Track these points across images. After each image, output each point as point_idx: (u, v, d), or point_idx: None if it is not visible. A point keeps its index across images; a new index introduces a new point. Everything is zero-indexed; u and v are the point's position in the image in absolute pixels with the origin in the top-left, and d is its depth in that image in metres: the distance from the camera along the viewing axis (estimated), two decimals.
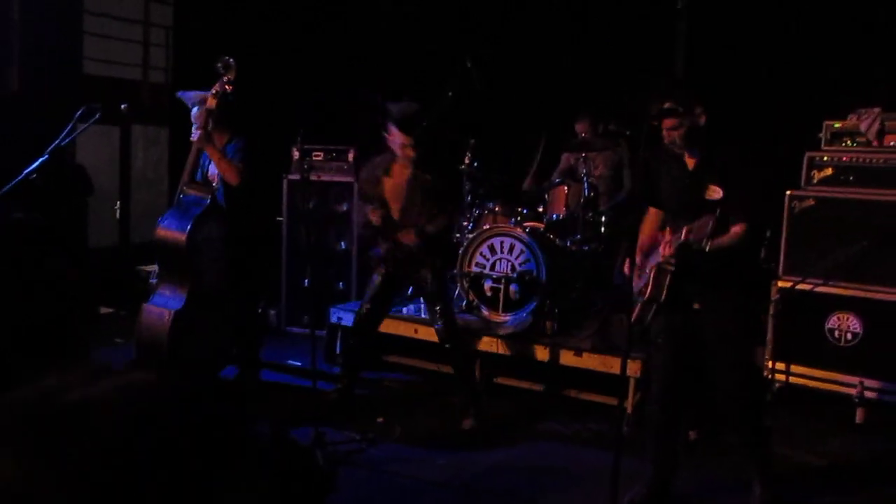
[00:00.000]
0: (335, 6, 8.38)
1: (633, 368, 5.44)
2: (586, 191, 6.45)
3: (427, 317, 6.26)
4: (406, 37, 8.02)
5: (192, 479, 0.75)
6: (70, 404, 0.78)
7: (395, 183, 5.42)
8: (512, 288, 6.14)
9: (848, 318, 5.81)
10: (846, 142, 5.99)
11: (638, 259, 4.24)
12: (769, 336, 5.96)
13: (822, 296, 5.87)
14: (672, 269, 3.93)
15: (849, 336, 5.81)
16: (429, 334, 6.14)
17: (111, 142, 8.61)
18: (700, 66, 6.93)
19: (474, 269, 6.24)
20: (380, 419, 5.50)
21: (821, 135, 6.06)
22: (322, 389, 5.49)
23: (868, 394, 5.60)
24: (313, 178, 6.91)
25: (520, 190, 6.96)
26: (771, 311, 5.95)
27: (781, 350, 5.95)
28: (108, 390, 0.78)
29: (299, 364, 6.59)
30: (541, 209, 6.68)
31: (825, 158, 6.00)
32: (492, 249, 6.20)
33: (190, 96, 5.60)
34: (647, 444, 4.47)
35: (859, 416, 5.58)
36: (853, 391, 5.64)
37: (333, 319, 6.70)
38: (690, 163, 4.16)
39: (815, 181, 6.02)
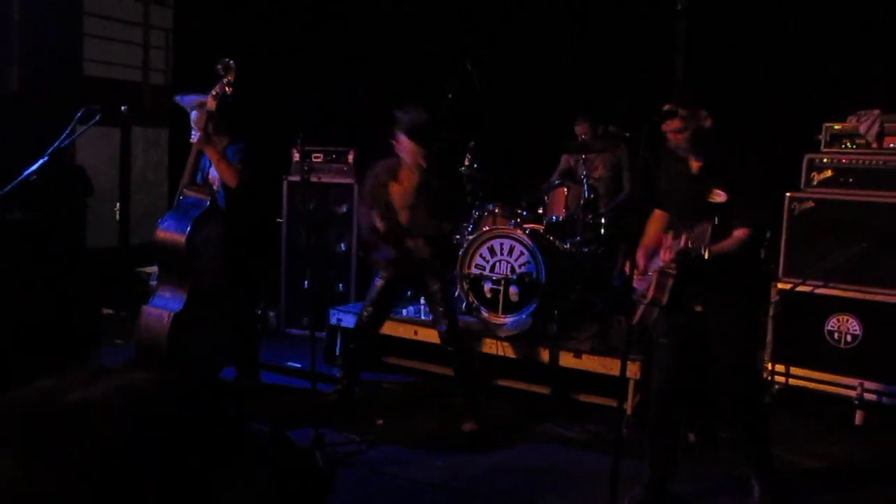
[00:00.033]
0: (335, 6, 8.39)
1: (633, 370, 5.44)
2: (586, 193, 6.45)
3: (426, 318, 6.27)
4: (406, 37, 8.02)
5: (191, 477, 0.75)
6: (70, 405, 0.78)
7: (402, 188, 5.40)
8: (512, 289, 6.14)
9: (847, 320, 5.81)
10: (846, 144, 6.00)
11: (642, 260, 4.23)
12: (769, 338, 5.96)
13: (822, 297, 5.87)
14: (674, 272, 3.93)
15: (848, 338, 5.81)
16: (428, 336, 6.15)
17: (111, 143, 8.61)
18: (699, 66, 6.93)
19: (474, 270, 6.24)
20: (379, 421, 5.50)
21: (820, 136, 6.07)
22: (321, 391, 5.49)
23: (868, 396, 5.61)
24: (313, 179, 6.92)
25: (520, 192, 6.96)
26: (770, 313, 5.95)
27: (781, 352, 5.95)
28: (108, 390, 0.78)
29: (299, 365, 6.59)
30: (540, 211, 6.68)
31: (825, 160, 6.00)
32: (491, 251, 6.19)
33: (188, 100, 5.60)
34: (645, 444, 4.47)
35: (859, 418, 5.58)
36: (853, 393, 5.65)
37: (333, 321, 6.70)
38: (695, 166, 4.16)
39: (814, 183, 6.03)
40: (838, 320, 5.84)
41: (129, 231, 8.55)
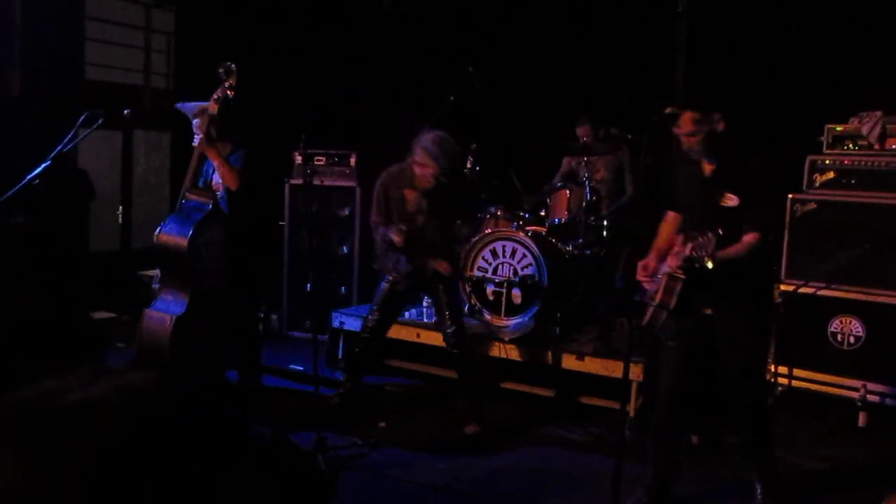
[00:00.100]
0: (334, 6, 8.38)
1: (635, 372, 5.43)
2: (588, 195, 6.45)
3: (429, 321, 6.27)
4: (406, 37, 8.02)
5: (192, 478, 0.75)
6: (70, 405, 0.78)
7: (417, 194, 5.38)
8: (514, 292, 6.13)
9: (850, 322, 5.80)
10: (848, 145, 6.00)
11: (653, 261, 4.23)
12: (772, 340, 5.95)
13: (825, 299, 5.87)
14: (683, 277, 3.94)
15: (851, 339, 5.80)
16: (430, 339, 6.15)
17: (113, 147, 8.62)
18: (700, 67, 6.93)
19: (476, 273, 6.24)
20: (382, 424, 5.50)
21: (822, 138, 6.06)
22: (324, 394, 5.49)
23: (871, 397, 5.60)
24: (315, 182, 6.92)
25: (521, 194, 6.96)
26: (773, 315, 5.95)
27: (784, 354, 5.94)
28: (108, 391, 0.78)
29: (301, 369, 6.59)
30: (542, 213, 6.68)
31: (827, 162, 6.00)
32: (494, 254, 6.19)
33: (190, 107, 5.61)
34: (648, 445, 4.46)
35: (862, 419, 5.57)
36: (856, 395, 5.64)
37: (335, 324, 6.70)
38: (708, 169, 4.15)
39: (816, 184, 6.03)
40: (841, 322, 5.84)
41: (131, 234, 8.55)
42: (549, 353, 5.94)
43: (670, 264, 3.99)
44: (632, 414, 5.46)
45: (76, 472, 0.72)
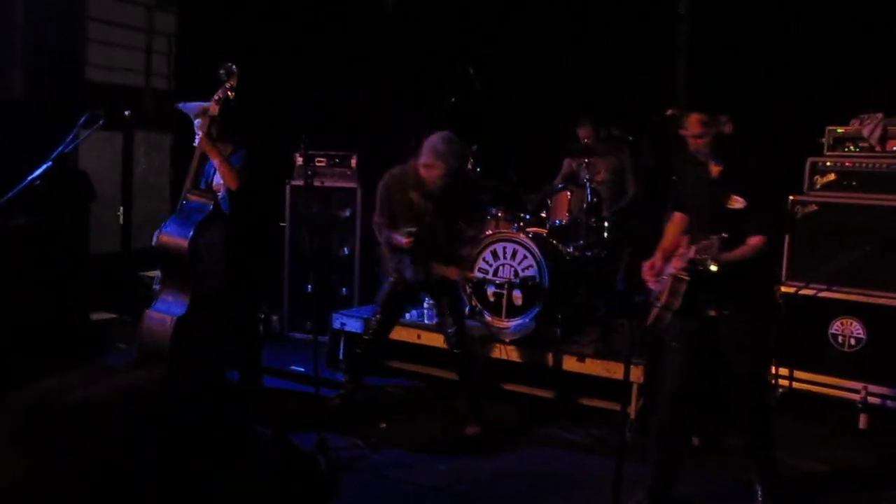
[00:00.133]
0: (335, 6, 8.39)
1: (636, 374, 5.43)
2: (589, 196, 6.45)
3: (430, 322, 6.27)
4: (406, 37, 8.02)
5: (192, 478, 0.75)
6: (71, 404, 0.78)
7: (422, 196, 5.36)
8: (515, 293, 6.13)
9: (851, 324, 5.80)
10: (849, 147, 6.00)
11: (659, 262, 4.23)
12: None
13: (826, 301, 5.86)
14: (687, 278, 3.94)
15: (852, 341, 5.80)
16: (431, 340, 6.15)
17: (114, 148, 8.62)
18: (701, 68, 6.93)
19: (477, 274, 6.24)
20: (383, 425, 5.49)
21: (823, 140, 6.06)
22: (325, 395, 5.48)
23: (871, 399, 5.59)
24: (316, 183, 6.92)
25: (522, 195, 6.95)
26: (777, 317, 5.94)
27: (784, 355, 5.94)
28: (109, 390, 0.78)
29: (302, 370, 6.59)
30: (543, 214, 6.68)
31: (828, 164, 6.00)
32: (494, 255, 6.19)
33: (191, 107, 5.60)
34: (650, 447, 4.46)
35: (863, 421, 5.57)
36: (857, 397, 5.63)
37: (336, 325, 6.69)
38: (714, 170, 4.15)
39: (817, 186, 6.02)
40: (842, 324, 5.84)
41: (132, 235, 8.56)
42: (550, 355, 5.94)
43: (675, 266, 4.00)
44: (632, 415, 5.45)
45: (76, 472, 0.72)
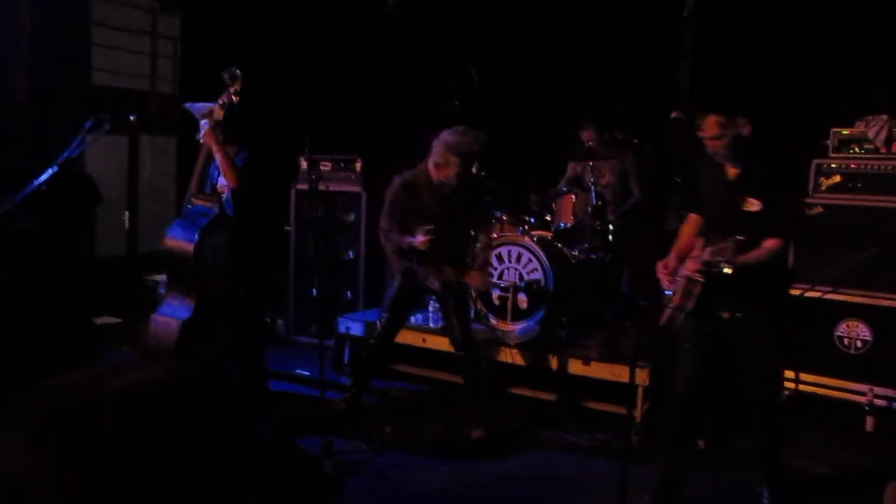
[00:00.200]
0: (339, 10, 8.39)
1: (642, 377, 5.42)
2: (593, 199, 6.45)
3: (435, 326, 6.27)
4: (406, 37, 8.01)
5: (193, 478, 0.75)
6: (74, 404, 0.78)
7: (433, 200, 5.33)
8: (520, 297, 6.13)
9: (857, 326, 5.79)
10: (854, 149, 5.99)
11: (673, 262, 4.22)
12: None
13: (831, 303, 5.85)
14: (701, 280, 3.93)
15: (858, 343, 5.78)
16: (436, 343, 6.15)
17: (119, 152, 8.65)
18: (702, 70, 6.91)
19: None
20: (388, 429, 5.50)
21: (828, 142, 6.05)
22: (330, 399, 5.49)
23: (878, 402, 5.58)
24: (321, 187, 6.92)
25: (527, 198, 6.95)
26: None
27: (790, 358, 5.92)
28: (111, 390, 0.78)
29: (307, 373, 6.59)
30: (548, 218, 6.68)
31: (833, 166, 5.99)
32: (500, 258, 6.19)
33: (198, 108, 5.61)
34: (657, 449, 4.45)
35: (869, 424, 5.56)
36: (863, 399, 5.62)
37: (341, 329, 6.70)
38: (732, 172, 4.14)
39: (823, 188, 6.02)
40: (848, 326, 5.82)
41: (138, 239, 8.57)
42: (555, 358, 5.94)
43: (689, 267, 3.98)
44: (638, 419, 5.45)
45: (78, 471, 0.72)
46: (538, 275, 6.04)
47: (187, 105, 5.73)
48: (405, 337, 6.28)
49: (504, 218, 6.47)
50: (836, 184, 5.96)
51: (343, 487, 4.28)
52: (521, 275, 6.11)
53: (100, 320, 7.37)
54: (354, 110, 8.04)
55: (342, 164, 7.70)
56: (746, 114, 4.05)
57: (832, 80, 6.37)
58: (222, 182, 5.54)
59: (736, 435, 5.18)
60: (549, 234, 6.45)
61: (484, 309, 6.25)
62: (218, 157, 5.41)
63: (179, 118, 8.00)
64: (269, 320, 7.34)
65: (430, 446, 5.29)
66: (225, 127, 5.40)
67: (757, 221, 3.98)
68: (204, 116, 5.52)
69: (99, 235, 8.30)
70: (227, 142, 5.44)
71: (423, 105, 7.22)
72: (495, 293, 6.20)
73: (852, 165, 5.92)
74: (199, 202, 5.38)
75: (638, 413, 5.46)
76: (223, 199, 5.49)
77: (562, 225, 6.57)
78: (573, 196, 6.64)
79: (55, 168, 5.18)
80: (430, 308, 6.40)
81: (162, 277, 5.56)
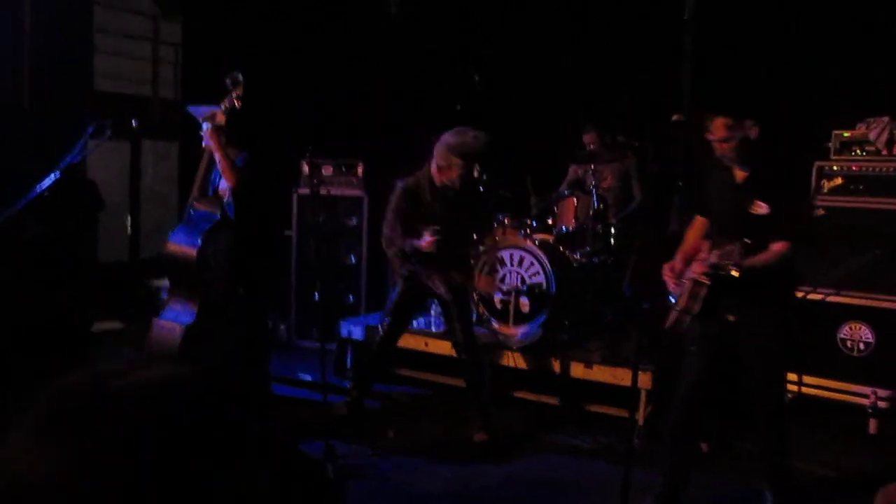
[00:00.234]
0: (341, 14, 8.40)
1: (644, 380, 5.41)
2: (595, 203, 6.45)
3: (437, 330, 6.27)
4: (406, 37, 8.02)
5: (193, 478, 0.75)
6: (76, 404, 0.78)
7: (436, 204, 5.31)
8: (522, 300, 6.13)
9: (860, 328, 5.78)
10: (855, 151, 5.98)
11: (679, 264, 4.22)
12: None
13: (834, 305, 5.85)
14: (708, 283, 3.93)
15: (861, 346, 5.78)
16: (438, 347, 6.15)
17: (121, 157, 8.65)
18: (703, 72, 6.91)
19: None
20: (390, 433, 5.49)
21: (829, 144, 6.05)
22: (332, 403, 5.48)
23: (881, 404, 5.57)
24: (323, 192, 6.93)
25: (528, 202, 6.95)
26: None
27: (793, 360, 5.91)
28: (112, 390, 0.79)
29: (309, 377, 6.59)
30: (550, 221, 6.68)
31: (834, 168, 5.99)
32: (501, 262, 6.19)
33: (201, 111, 5.61)
34: (662, 451, 4.44)
35: (872, 426, 5.54)
36: (866, 401, 5.61)
37: (343, 333, 6.70)
38: (740, 175, 4.13)
39: (824, 190, 6.01)
40: (851, 328, 5.82)
41: (140, 244, 8.58)
42: (558, 362, 5.93)
43: (695, 270, 3.97)
44: (640, 422, 5.44)
45: (76, 470, 0.72)
46: (540, 278, 6.04)
47: (190, 108, 5.74)
48: (407, 341, 6.28)
49: (506, 221, 6.47)
50: (838, 186, 5.96)
51: (345, 490, 4.28)
52: (523, 278, 6.11)
53: (102, 325, 7.38)
54: (355, 113, 8.05)
55: (343, 168, 7.71)
56: (751, 116, 4.05)
57: (833, 81, 6.37)
58: (224, 186, 5.55)
59: (741, 438, 5.17)
60: (550, 238, 6.45)
61: (486, 312, 6.25)
62: (218, 156, 5.41)
63: (181, 123, 8.01)
64: (271, 324, 7.34)
65: (432, 449, 5.28)
66: (227, 131, 5.40)
67: (764, 224, 3.97)
68: (206, 119, 5.52)
69: (101, 240, 8.31)
70: (228, 144, 5.44)
71: (425, 107, 7.23)
72: (497, 297, 6.20)
73: (854, 167, 5.92)
74: (201, 207, 5.39)
75: (640, 416, 5.46)
76: (225, 202, 5.49)
77: (563, 228, 6.57)
78: (575, 199, 6.64)
79: (57, 174, 5.19)
80: (433, 312, 6.40)
81: (164, 282, 5.56)
